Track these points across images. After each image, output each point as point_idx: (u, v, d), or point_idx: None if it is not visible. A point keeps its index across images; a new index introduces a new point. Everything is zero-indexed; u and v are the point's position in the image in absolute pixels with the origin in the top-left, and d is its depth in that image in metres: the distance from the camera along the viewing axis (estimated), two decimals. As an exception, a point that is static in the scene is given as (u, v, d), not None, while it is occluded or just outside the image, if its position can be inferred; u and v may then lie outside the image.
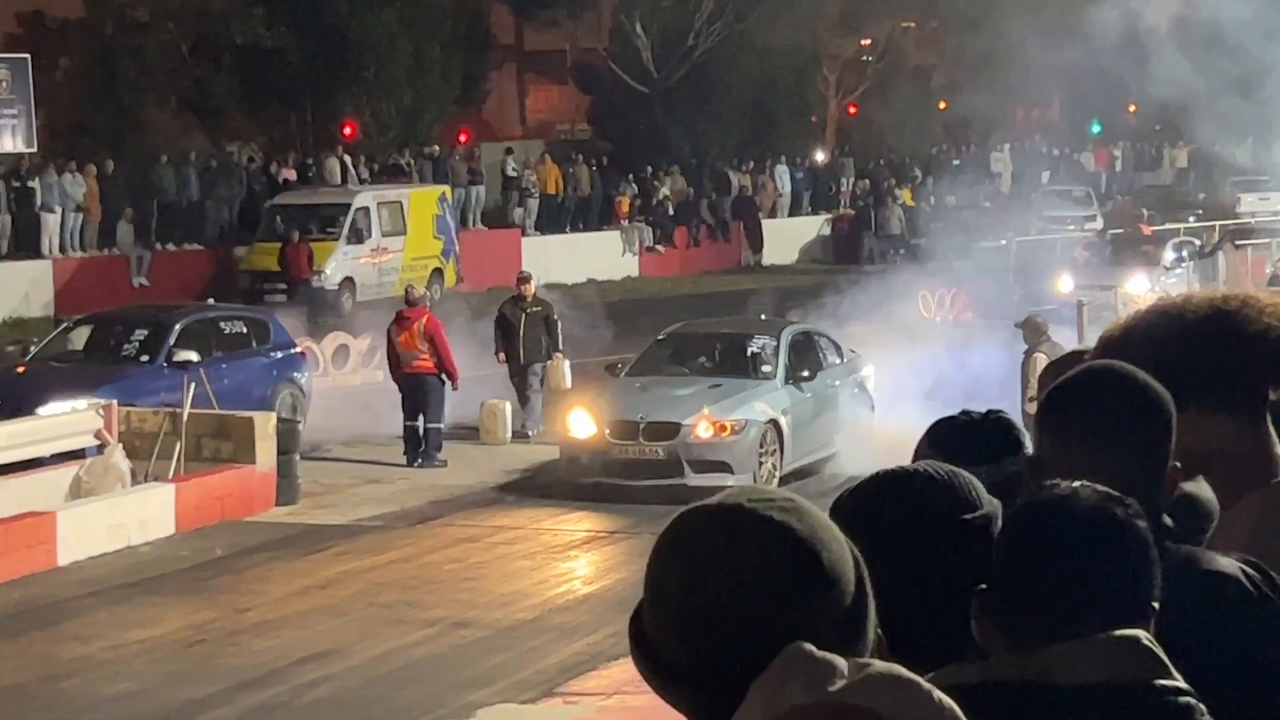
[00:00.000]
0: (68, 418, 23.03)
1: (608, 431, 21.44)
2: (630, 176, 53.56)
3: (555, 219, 51.36)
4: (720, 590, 2.25)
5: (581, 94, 68.35)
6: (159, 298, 34.54)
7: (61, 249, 41.38)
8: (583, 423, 21.77)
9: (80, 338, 26.69)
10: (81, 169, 42.75)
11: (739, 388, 22.17)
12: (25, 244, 40.91)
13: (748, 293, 37.83)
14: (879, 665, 2.26)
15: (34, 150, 44.83)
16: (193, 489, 21.23)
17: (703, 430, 21.13)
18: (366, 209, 42.54)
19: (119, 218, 42.90)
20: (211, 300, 32.06)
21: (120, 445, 22.05)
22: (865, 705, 2.19)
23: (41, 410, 22.87)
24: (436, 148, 52.76)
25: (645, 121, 58.75)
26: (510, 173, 52.23)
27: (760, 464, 21.45)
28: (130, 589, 18.36)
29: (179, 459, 21.94)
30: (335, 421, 25.77)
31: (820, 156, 63.12)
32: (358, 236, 41.74)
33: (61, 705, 14.25)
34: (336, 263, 40.81)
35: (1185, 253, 39.90)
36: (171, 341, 24.95)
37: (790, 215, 57.41)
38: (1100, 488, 2.94)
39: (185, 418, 22.37)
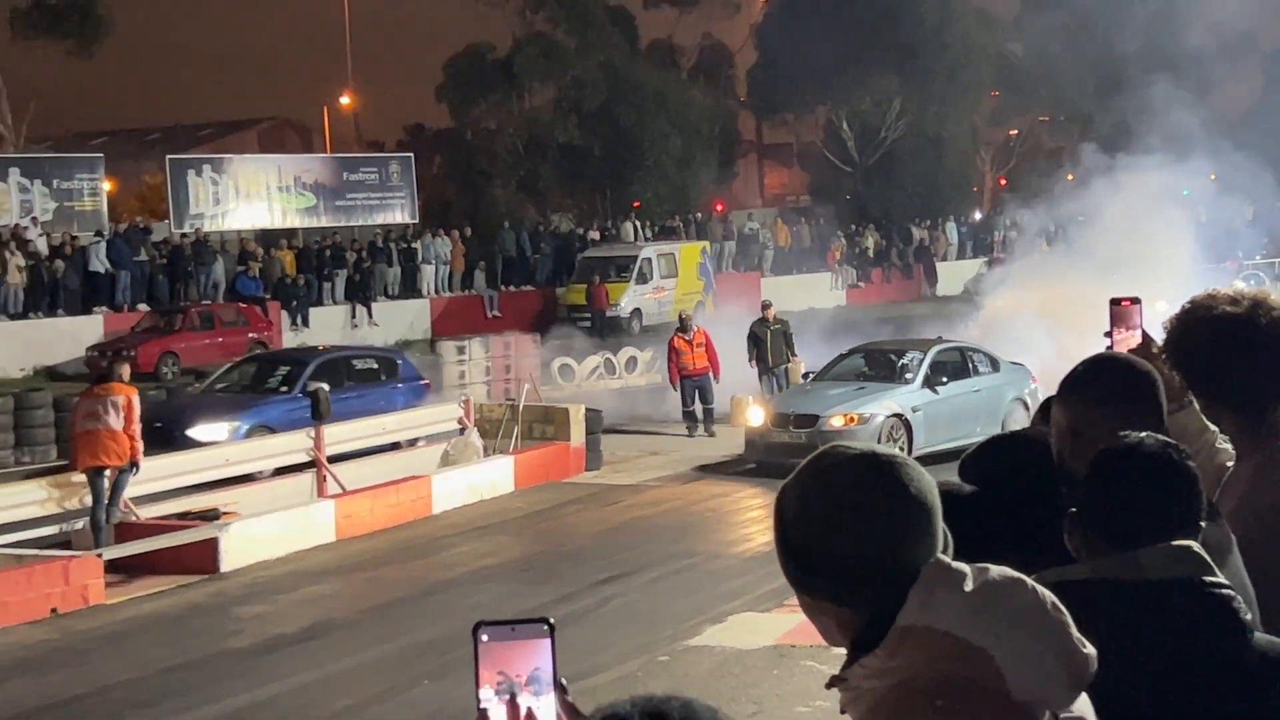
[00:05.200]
0: (439, 409, 23.41)
1: (770, 422, 21.21)
2: (839, 233, 53.31)
3: (784, 264, 51.27)
4: (873, 518, 2.26)
5: (803, 173, 68.24)
6: (505, 327, 34.72)
7: (435, 291, 42.05)
8: (756, 415, 21.61)
9: (250, 371, 24.69)
10: (448, 234, 43.45)
11: (879, 390, 21.44)
12: (409, 288, 41.64)
13: (924, 316, 37.34)
14: (995, 569, 2.27)
15: (415, 221, 45.60)
16: (526, 459, 21.40)
17: (836, 421, 20.56)
18: (649, 258, 42.79)
19: (475, 268, 43.52)
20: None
21: (475, 428, 22.35)
22: (976, 643, 2.19)
23: (190, 431, 21.35)
24: (699, 214, 52.95)
25: (850, 192, 58.56)
26: (749, 231, 52.26)
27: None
28: (482, 530, 18.59)
29: (516, 438, 22.22)
30: (627, 411, 25.92)
31: (978, 215, 62.48)
32: (643, 278, 41.98)
33: (433, 612, 14.44)
34: (628, 298, 41.12)
35: None
36: (307, 375, 22.91)
37: (957, 259, 56.77)
38: (1160, 437, 2.99)
39: (521, 408, 22.66)
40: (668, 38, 64.50)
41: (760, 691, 10.90)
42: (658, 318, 40.11)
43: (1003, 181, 67.53)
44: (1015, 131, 67.36)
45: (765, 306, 26.37)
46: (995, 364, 22.85)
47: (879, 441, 18.84)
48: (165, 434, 20.39)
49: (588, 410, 22.80)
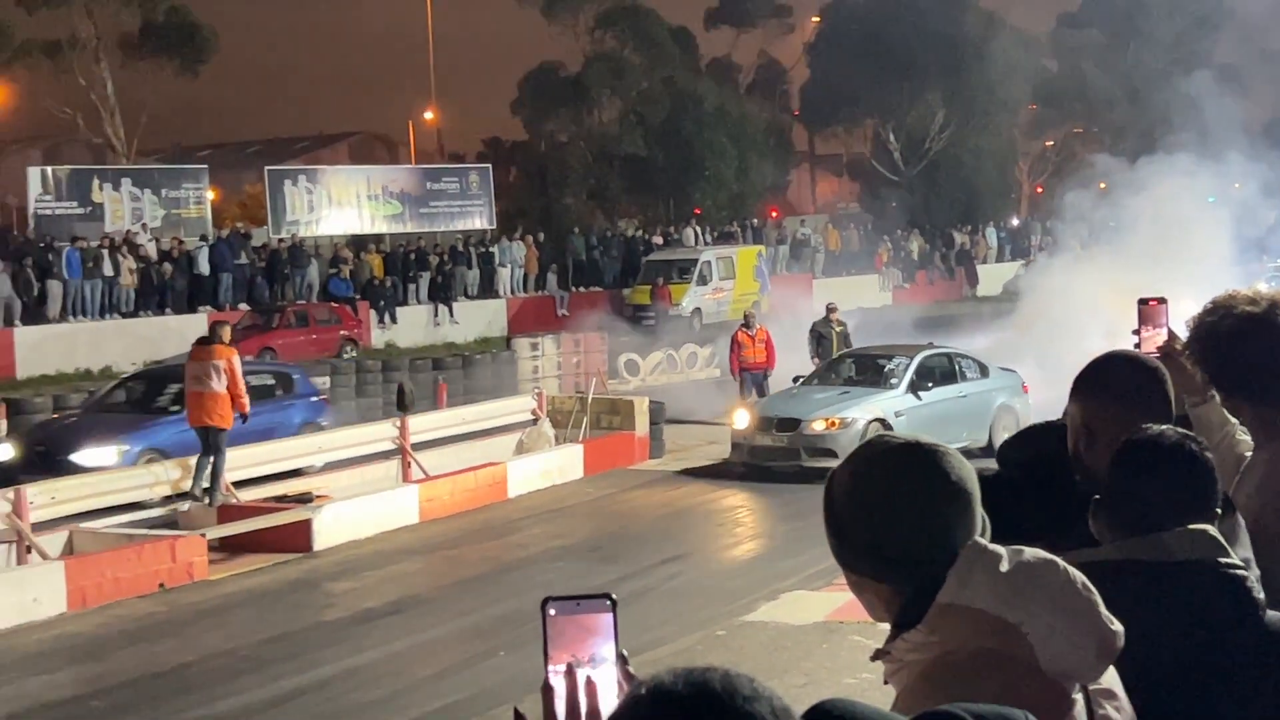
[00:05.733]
0: (514, 400, 23.47)
1: (754, 425, 20.01)
2: (886, 237, 53.07)
3: (834, 267, 51.08)
4: (915, 503, 2.28)
5: (852, 182, 68.05)
6: (575, 325, 34.70)
7: (511, 291, 42.16)
8: (741, 419, 20.32)
9: (139, 389, 21.41)
10: (523, 239, 43.55)
11: (863, 395, 20.11)
12: (487, 289, 41.77)
13: (964, 314, 37.15)
14: (1029, 551, 2.29)
15: (493, 227, 45.76)
16: (594, 447, 21.39)
17: (817, 425, 19.36)
18: (709, 261, 42.68)
19: (548, 271, 43.60)
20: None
21: (547, 419, 22.41)
22: (1010, 620, 2.20)
23: (75, 456, 18.63)
24: (755, 220, 52.87)
25: (896, 199, 58.30)
26: (801, 236, 52.13)
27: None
28: (553, 513, 18.62)
29: (585, 428, 22.25)
30: (688, 403, 25.88)
31: (1016, 221, 62.06)
32: (703, 280, 41.90)
33: (509, 588, 14.48)
34: (689, 298, 41.03)
35: None
36: None
37: (996, 262, 56.40)
38: (1179, 430, 3.00)
39: (589, 400, 22.68)
40: (727, 56, 64.64)
41: (811, 664, 10.88)
42: (716, 316, 40.03)
43: (1039, 189, 67.14)
44: (1051, 142, 66.95)
45: (831, 309, 26.23)
46: (984, 370, 21.53)
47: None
48: (48, 459, 18.59)
49: (651, 402, 22.81)
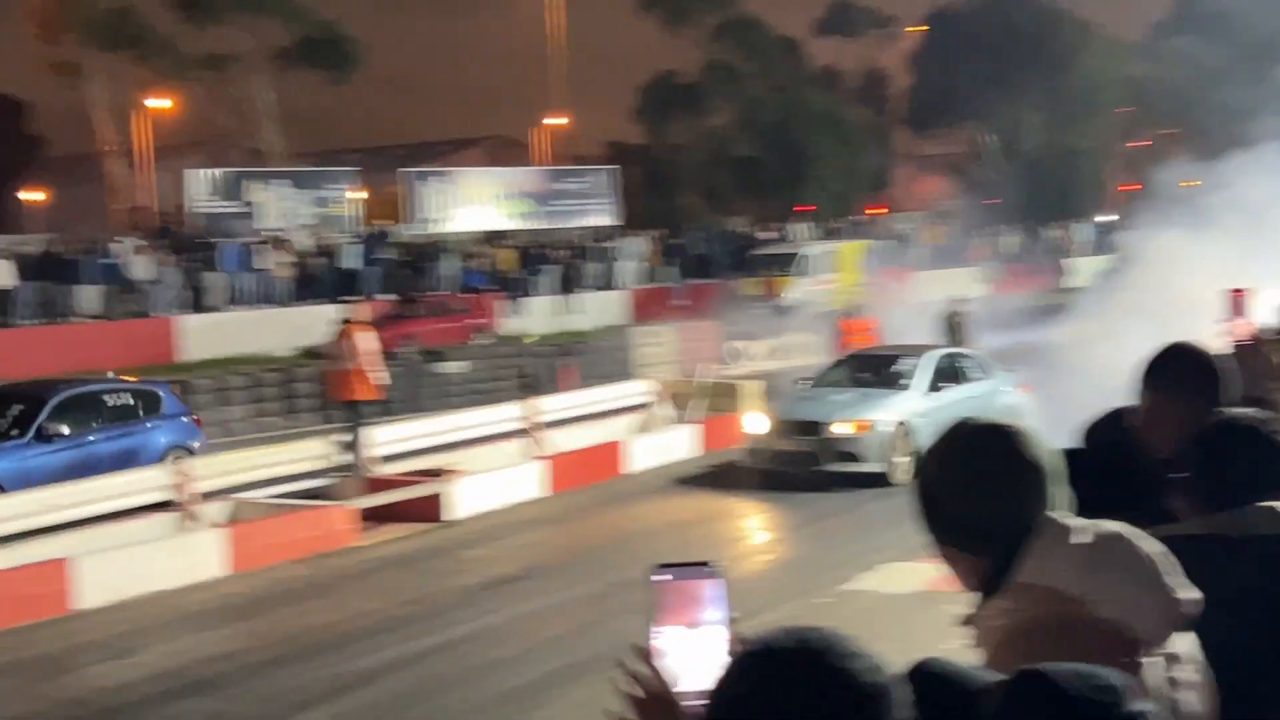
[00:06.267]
0: (633, 384, 23.53)
1: (774, 430, 18.28)
2: (982, 232, 52.45)
3: (933, 260, 50.56)
4: (997, 481, 2.28)
5: (951, 180, 67.32)
6: (690, 315, 34.57)
7: (631, 283, 42.19)
8: (758, 422, 18.71)
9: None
10: (642, 234, 43.61)
11: (881, 396, 18.30)
12: (608, 281, 41.81)
13: (1056, 305, 36.48)
14: (1105, 524, 2.28)
15: (615, 223, 45.87)
16: (711, 426, 21.34)
17: (840, 428, 17.65)
18: (815, 255, 42.33)
19: (665, 264, 43.63)
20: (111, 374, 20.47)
21: (664, 401, 22.43)
22: (1085, 587, 2.20)
23: None
24: (859, 217, 52.51)
25: (992, 197, 57.64)
26: (902, 231, 51.68)
27: (892, 456, 17.49)
28: (669, 487, 18.59)
29: (701, 409, 22.24)
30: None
31: (1106, 218, 61.08)
32: (809, 273, 41.62)
33: (628, 556, 14.50)
34: (796, 289, 40.77)
35: None
36: (44, 416, 16.76)
37: (1087, 256, 55.57)
38: (1254, 413, 2.98)
39: (702, 384, 22.65)
40: (833, 64, 64.37)
41: (906, 632, 10.79)
42: (821, 307, 39.78)
43: (1130, 187, 66.02)
44: (1143, 143, 65.82)
45: (957, 300, 26.05)
46: (987, 370, 19.98)
47: (886, 450, 17.39)
48: None
49: (760, 386, 22.75)
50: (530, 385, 20.30)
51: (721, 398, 22.43)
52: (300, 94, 47.53)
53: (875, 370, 19.35)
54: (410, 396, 25.92)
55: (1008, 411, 17.91)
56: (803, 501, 17.26)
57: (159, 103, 47.74)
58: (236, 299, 34.09)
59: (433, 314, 33.41)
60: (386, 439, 18.56)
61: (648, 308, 38.81)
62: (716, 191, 52.42)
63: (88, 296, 31.69)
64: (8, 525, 14.10)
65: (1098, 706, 1.79)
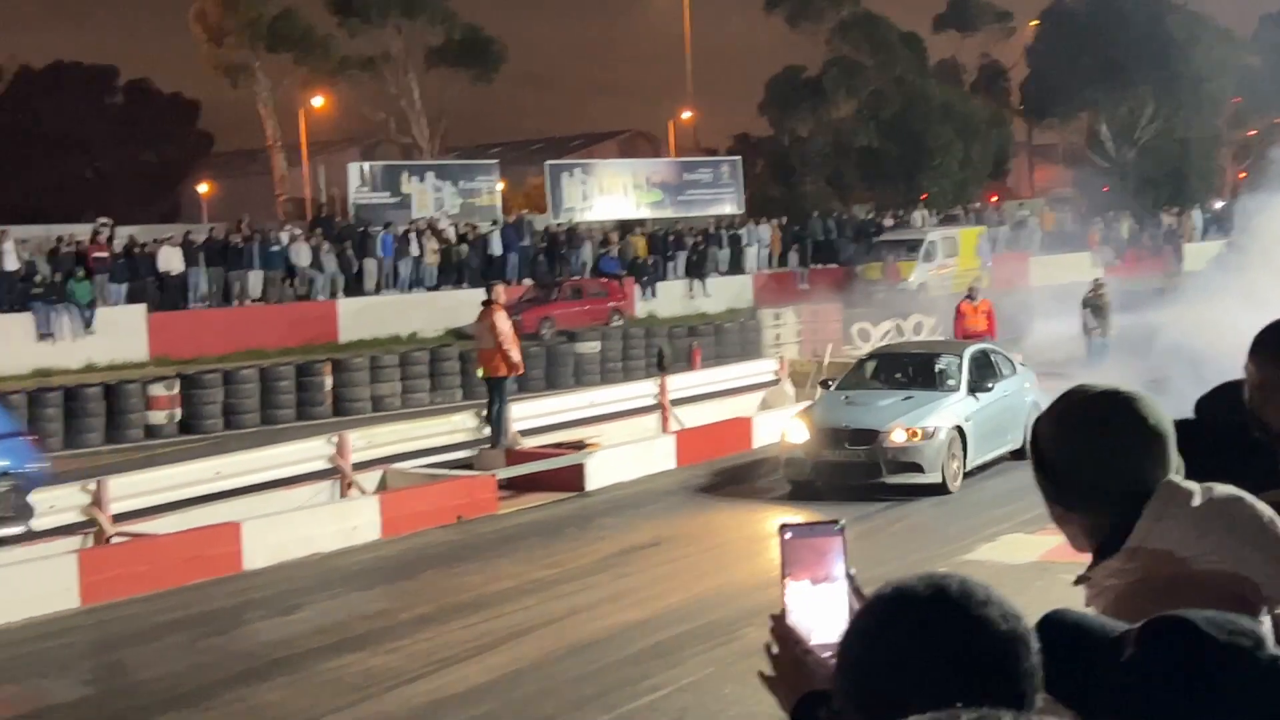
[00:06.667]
0: (758, 363, 23.46)
1: (817, 439, 15.71)
2: (1098, 219, 51.40)
3: (1050, 246, 49.65)
4: (1115, 444, 2.26)
5: (1067, 168, 66.06)
6: (813, 298, 34.34)
7: (756, 268, 42.09)
8: (798, 431, 15.98)
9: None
10: (768, 222, 43.44)
11: (928, 399, 16.08)
12: (735, 266, 41.72)
13: (1171, 288, 35.58)
14: (1219, 487, 2.25)
15: (741, 211, 45.74)
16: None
17: (898, 435, 15.39)
18: (935, 241, 41.85)
19: (789, 250, 43.41)
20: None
21: (788, 379, 22.35)
22: (1201, 548, 2.16)
23: None
24: (977, 204, 51.75)
25: (1107, 183, 56.50)
26: (1019, 218, 50.85)
27: (948, 464, 15.58)
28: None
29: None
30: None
31: (1219, 204, 59.50)
32: (929, 257, 41.10)
33: (754, 523, 14.45)
34: (916, 274, 40.28)
35: None
36: None
37: (1200, 241, 54.19)
38: None
39: (825, 363, 22.51)
40: (952, 57, 63.61)
41: (1025, 599, 10.50)
42: (940, 290, 39.29)
43: (1241, 175, 64.23)
44: (1254, 131, 64.00)
45: (1099, 283, 25.60)
46: (1014, 367, 17.92)
47: (944, 457, 15.42)
48: None
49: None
50: (661, 364, 20.29)
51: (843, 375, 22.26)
52: (448, 92, 48.01)
53: (908, 370, 17.21)
54: (548, 375, 26.12)
55: (1034, 410, 16.74)
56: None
57: (317, 100, 48.59)
58: (389, 283, 34.62)
59: (570, 297, 33.64)
60: (526, 414, 18.75)
61: (772, 291, 38.66)
62: (839, 180, 52.04)
63: (253, 281, 32.39)
64: (185, 491, 14.51)
65: (1236, 650, 1.74)
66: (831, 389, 17.18)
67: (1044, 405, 2.22)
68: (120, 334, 28.83)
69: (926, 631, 1.59)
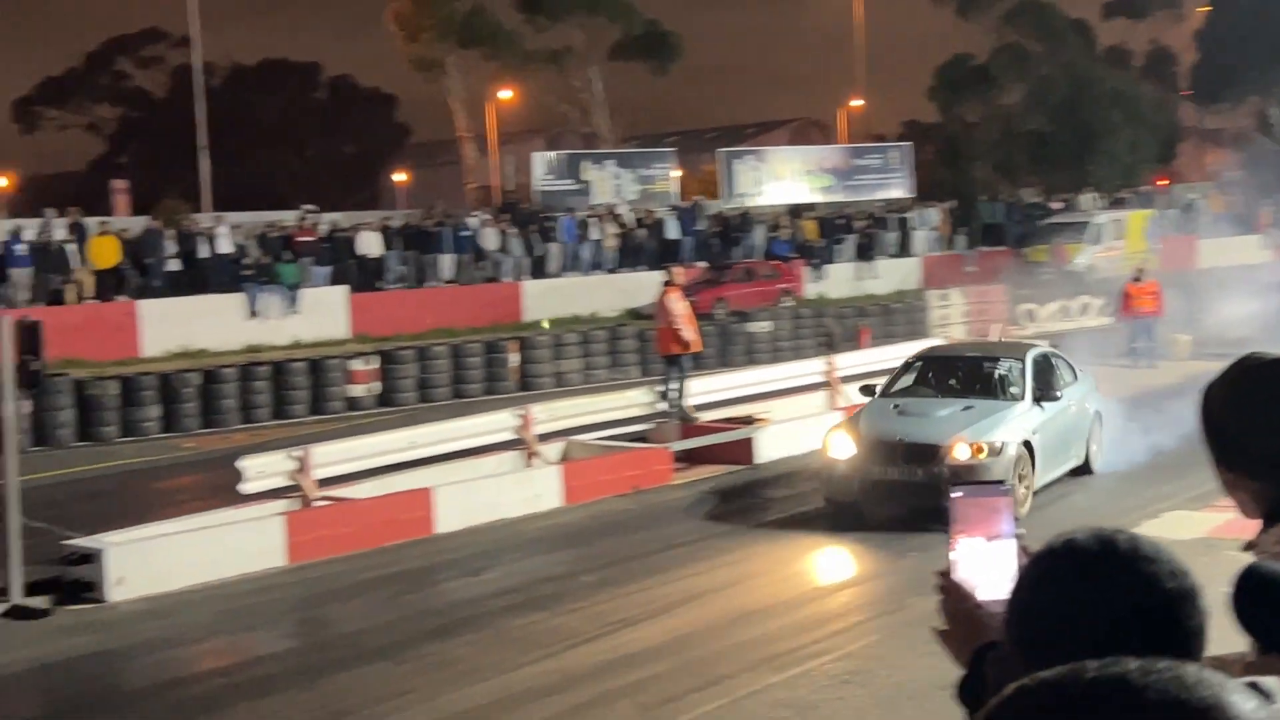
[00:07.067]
0: (926, 342, 23.01)
1: (869, 454, 13.24)
2: (1267, 201, 49.38)
3: (1217, 229, 47.91)
4: None
5: (1236, 151, 63.68)
6: (980, 280, 33.61)
7: (925, 251, 41.41)
8: (843, 445, 13.52)
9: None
10: (936, 206, 42.77)
11: (990, 409, 13.61)
12: (904, 249, 41.09)
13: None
14: None
15: (910, 195, 45.10)
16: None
17: (961, 451, 12.86)
18: (1102, 224, 40.74)
19: (957, 233, 42.67)
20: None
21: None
22: None
23: None
24: (1145, 187, 50.20)
25: (1278, 167, 54.27)
26: (1188, 201, 49.16)
27: (1017, 484, 12.81)
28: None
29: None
30: (1080, 347, 24.84)
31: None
32: (1096, 240, 40.04)
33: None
34: (1083, 256, 39.22)
35: None
36: None
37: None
38: None
39: (994, 342, 22.06)
40: (1121, 44, 61.77)
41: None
42: (1108, 272, 38.21)
43: None
44: None
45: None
46: (1075, 372, 15.51)
47: (1009, 477, 12.73)
48: None
49: (1048, 345, 21.99)
50: (830, 343, 20.10)
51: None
52: (627, 84, 48.33)
53: (964, 376, 14.78)
54: (721, 353, 26.11)
55: (1096, 420, 15.28)
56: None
57: (505, 93, 49.26)
58: (570, 266, 34.96)
59: (742, 279, 33.55)
60: (700, 390, 18.77)
61: (940, 274, 38.02)
62: (1007, 165, 50.95)
63: (445, 264, 33.01)
64: (382, 459, 14.87)
65: None
66: (877, 395, 14.60)
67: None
68: (323, 313, 29.64)
69: (1093, 584, 1.55)
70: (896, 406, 13.99)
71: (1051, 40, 51.43)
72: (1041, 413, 13.92)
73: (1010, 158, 50.75)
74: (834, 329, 21.77)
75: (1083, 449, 14.96)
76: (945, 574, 1.99)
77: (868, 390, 15.01)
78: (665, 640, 9.95)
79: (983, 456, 12.87)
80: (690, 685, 8.91)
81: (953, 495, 2.05)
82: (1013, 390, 14.18)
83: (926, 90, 53.79)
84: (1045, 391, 14.22)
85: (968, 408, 13.67)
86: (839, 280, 37.92)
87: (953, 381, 14.67)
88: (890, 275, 39.09)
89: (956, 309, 27.72)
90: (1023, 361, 14.47)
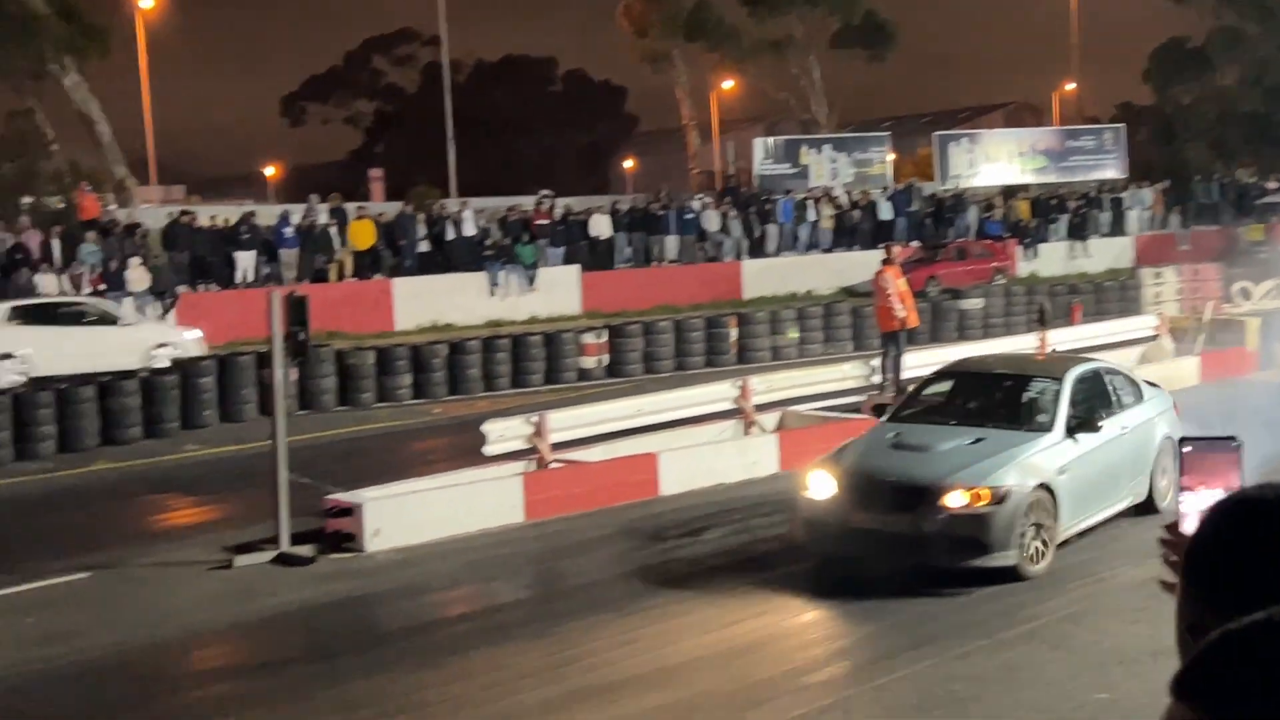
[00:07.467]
0: (1137, 319, 22.27)
1: (847, 495, 10.33)
2: None
3: None
4: None
5: None
6: (1193, 259, 32.12)
7: (1138, 230, 39.70)
8: (822, 484, 10.54)
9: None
10: (1150, 186, 41.04)
11: (1007, 441, 10.60)
12: (1117, 228, 39.52)
13: None
14: None
15: (1124, 176, 43.42)
16: (1209, 359, 19.73)
17: (955, 499, 9.93)
18: (1321, 203, 38.46)
19: (1170, 213, 40.89)
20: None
21: (1167, 335, 21.13)
22: None
23: None
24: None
25: None
26: None
27: (1024, 535, 10.04)
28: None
29: (1200, 343, 20.77)
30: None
31: None
32: (1315, 219, 37.77)
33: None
34: (1302, 235, 37.12)
35: None
36: None
37: None
38: None
39: (1206, 320, 21.14)
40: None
41: None
42: (1326, 252, 36.02)
43: None
44: None
45: None
46: (1139, 391, 12.27)
47: (1018, 527, 10.00)
48: None
49: (1263, 323, 20.96)
50: (1042, 319, 19.50)
51: (1221, 333, 20.86)
52: (844, 71, 47.70)
53: (988, 398, 11.76)
54: (933, 329, 25.63)
55: (1168, 447, 11.83)
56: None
57: (727, 83, 49.24)
58: (788, 246, 34.79)
59: (954, 258, 32.86)
60: (912, 364, 18.40)
61: (1152, 252, 36.50)
62: (1222, 145, 48.51)
63: (670, 245, 33.24)
64: (611, 425, 15.09)
65: None
66: (884, 419, 11.72)
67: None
68: (557, 290, 30.23)
69: (1267, 534, 1.52)
70: (895, 435, 11.05)
71: (1269, 22, 48.72)
72: (1075, 446, 10.87)
73: (1225, 138, 48.38)
74: (1047, 305, 21.05)
75: (1144, 484, 11.78)
76: (1173, 527, 1.94)
77: (879, 410, 12.67)
78: (879, 601, 9.85)
79: (981, 505, 9.94)
80: (906, 644, 8.83)
81: (1183, 450, 2.04)
82: (1040, 418, 11.14)
83: (1141, 73, 51.75)
84: (1084, 418, 11.13)
85: (978, 440, 10.69)
86: (1052, 259, 36.79)
87: (974, 404, 11.67)
88: (1103, 254, 37.72)
89: (1170, 287, 26.56)
90: (1060, 383, 11.32)
